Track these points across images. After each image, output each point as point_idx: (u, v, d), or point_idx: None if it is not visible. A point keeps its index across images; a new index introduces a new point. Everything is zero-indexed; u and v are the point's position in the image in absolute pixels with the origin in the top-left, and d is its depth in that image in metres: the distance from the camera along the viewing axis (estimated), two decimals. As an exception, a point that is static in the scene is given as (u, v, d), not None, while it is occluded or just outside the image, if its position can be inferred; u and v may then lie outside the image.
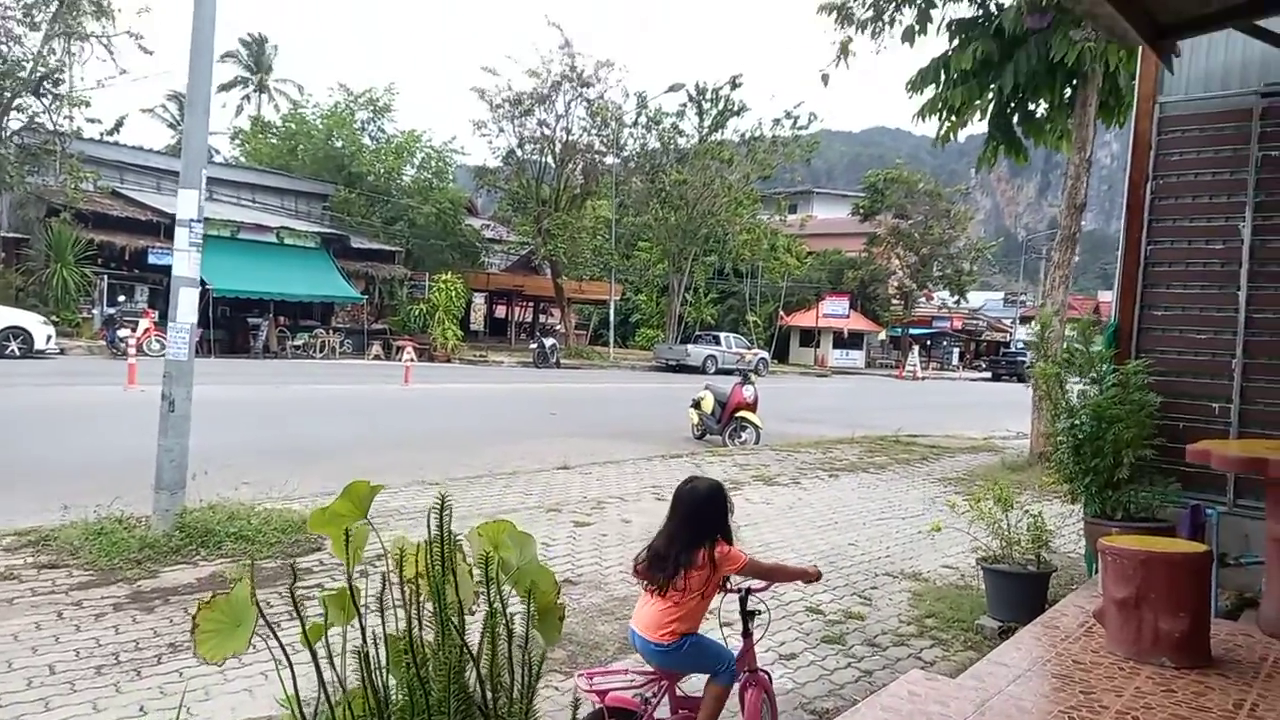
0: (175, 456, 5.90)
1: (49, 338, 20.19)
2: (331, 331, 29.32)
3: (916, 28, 10.97)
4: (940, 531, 7.31)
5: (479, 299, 39.10)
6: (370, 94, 37.86)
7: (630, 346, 45.39)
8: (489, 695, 1.58)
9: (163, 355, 18.85)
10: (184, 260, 6.04)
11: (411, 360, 22.22)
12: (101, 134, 28.18)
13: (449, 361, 30.15)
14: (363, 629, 1.71)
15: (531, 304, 45.82)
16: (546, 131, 35.47)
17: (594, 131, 36.23)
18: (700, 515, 2.98)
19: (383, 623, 1.71)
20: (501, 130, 35.57)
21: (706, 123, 39.18)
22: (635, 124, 37.66)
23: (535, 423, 14.89)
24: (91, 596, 4.74)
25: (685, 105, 38.64)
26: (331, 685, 2.17)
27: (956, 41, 10.51)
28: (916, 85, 10.75)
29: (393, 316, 32.37)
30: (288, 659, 1.94)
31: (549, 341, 32.07)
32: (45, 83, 24.74)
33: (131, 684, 3.74)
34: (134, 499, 6.16)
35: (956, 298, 50.66)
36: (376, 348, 29.69)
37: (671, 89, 36.01)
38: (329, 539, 5.90)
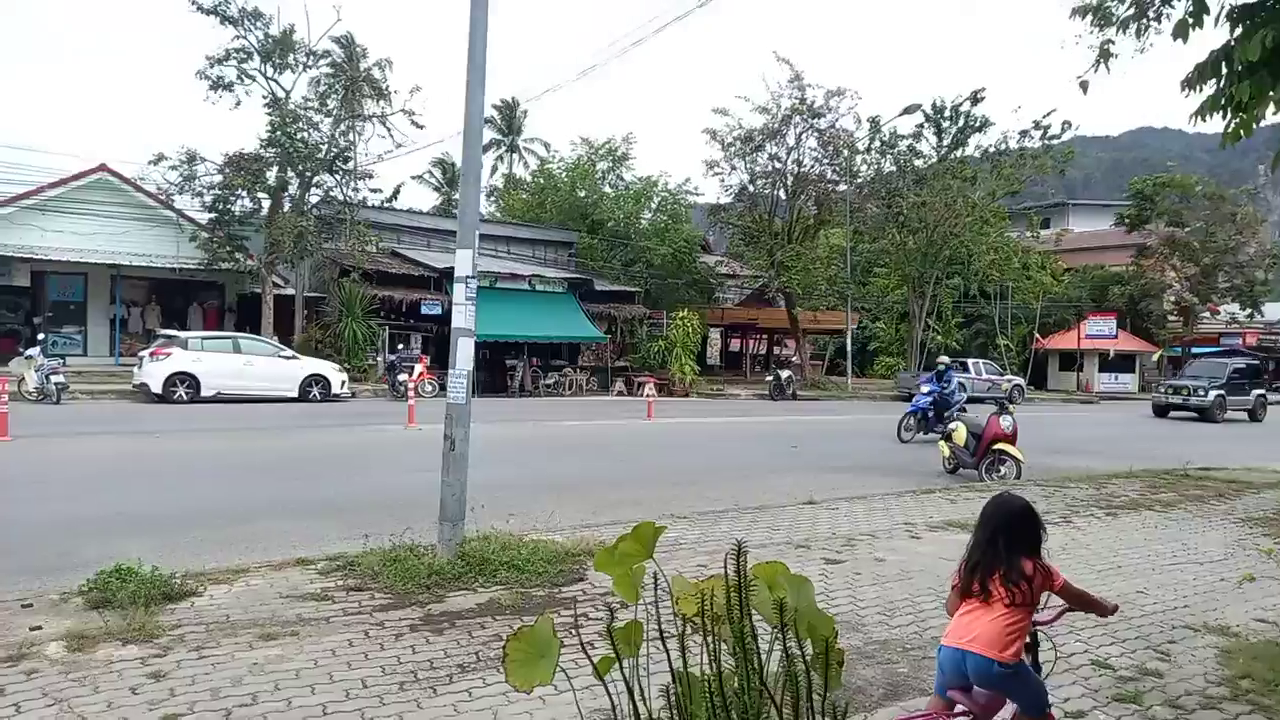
0: (456, 491, 6.46)
1: (343, 383, 22.90)
2: (579, 370, 30.96)
3: (1190, 20, 9.86)
4: (1253, 581, 6.43)
5: (714, 333, 39.74)
6: (609, 145, 39.93)
7: (869, 375, 44.04)
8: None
9: (436, 397, 20.73)
10: (461, 313, 6.65)
11: (652, 395, 22.92)
12: (382, 201, 31.78)
13: (687, 396, 30.77)
14: (671, 667, 1.79)
15: (766, 336, 45.81)
16: (778, 165, 35.61)
17: (826, 161, 35.88)
18: (1017, 528, 2.86)
19: (684, 660, 1.79)
20: (733, 168, 36.16)
21: (946, 141, 37.60)
22: (869, 149, 36.88)
23: (776, 456, 14.82)
24: (391, 617, 5.28)
25: (922, 125, 37.35)
26: (615, 713, 2.28)
27: (1240, 30, 9.34)
28: (1193, 82, 9.66)
29: (633, 354, 33.62)
30: (571, 684, 2.06)
31: (785, 373, 31.87)
32: (337, 161, 28.35)
33: (429, 700, 4.12)
34: (421, 529, 6.82)
35: (1249, 311, 44.62)
36: (619, 384, 30.95)
37: (907, 110, 34.91)
38: (590, 569, 6.17)
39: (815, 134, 35.04)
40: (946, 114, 37.37)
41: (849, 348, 37.61)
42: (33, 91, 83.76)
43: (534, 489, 10.35)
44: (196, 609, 5.25)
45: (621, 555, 2.20)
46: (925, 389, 17.04)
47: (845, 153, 35.72)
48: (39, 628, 4.85)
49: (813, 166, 35.86)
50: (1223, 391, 27.35)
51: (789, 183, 35.90)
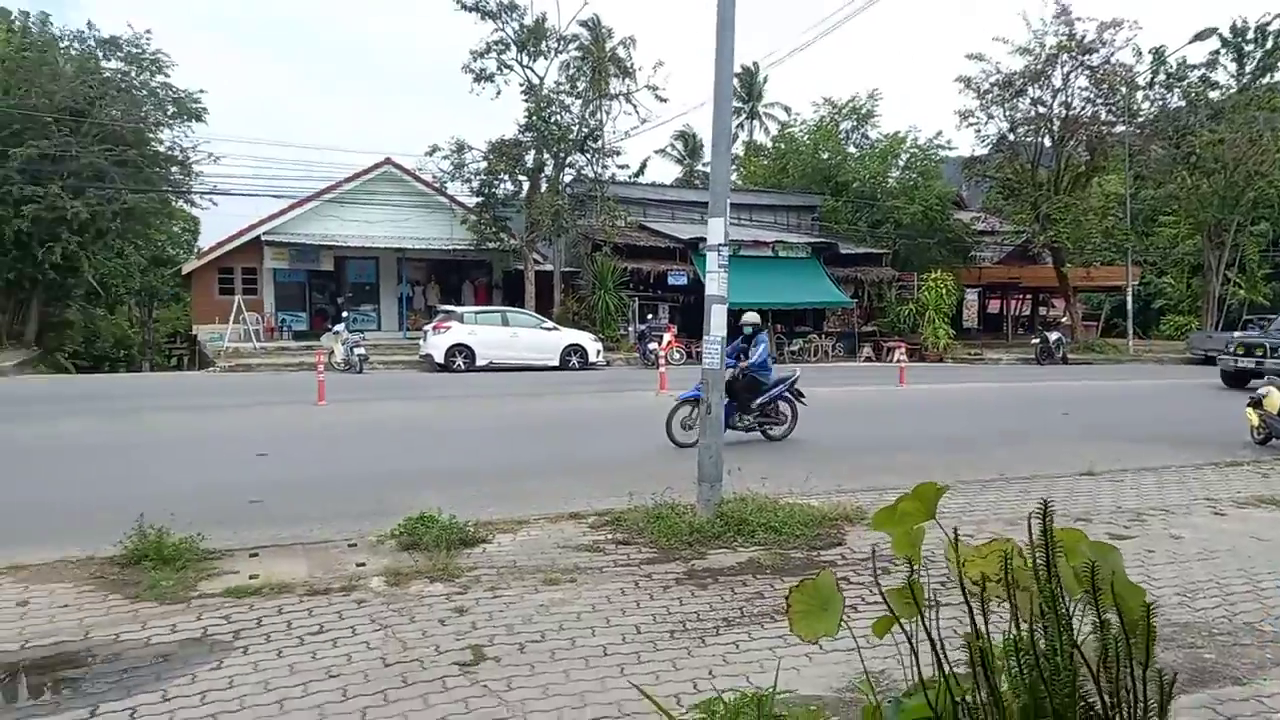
0: (713, 453, 6.65)
1: (598, 352, 24.10)
2: (824, 336, 30.43)
3: None
4: None
5: (971, 295, 37.34)
6: (853, 103, 38.58)
7: (1153, 336, 39.60)
8: (1110, 711, 1.52)
9: (683, 364, 21.13)
10: (714, 280, 6.78)
11: (904, 361, 22.07)
12: (629, 177, 32.86)
13: (941, 361, 29.31)
14: (973, 623, 1.77)
15: (1029, 296, 42.47)
16: (1041, 110, 32.65)
17: (1099, 101, 32.39)
18: None
19: (985, 620, 1.76)
20: (990, 117, 33.61)
21: (1249, 68, 32.66)
22: (1151, 84, 32.86)
23: (1043, 423, 13.78)
24: (658, 570, 5.55)
25: (1218, 53, 32.69)
26: (878, 675, 2.27)
27: None
28: None
29: (881, 318, 32.49)
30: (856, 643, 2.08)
31: (1053, 335, 29.47)
32: (588, 140, 29.62)
33: (699, 649, 4.31)
34: (680, 489, 7.08)
35: None
36: (867, 350, 30.08)
37: (1198, 37, 30.73)
38: (849, 534, 6.11)
39: (1086, 72, 31.72)
40: (1249, 37, 32.40)
41: (1129, 306, 34.02)
42: (324, 96, 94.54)
43: (785, 455, 10.37)
44: (488, 554, 5.81)
45: (902, 514, 2.18)
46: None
47: (1123, 90, 32.07)
48: (363, 564, 5.60)
49: (1083, 108, 32.53)
50: None
51: (1055, 128, 32.83)
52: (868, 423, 13.85)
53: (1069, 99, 32.38)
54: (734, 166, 47.90)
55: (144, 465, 9.76)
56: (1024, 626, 1.72)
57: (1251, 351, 18.88)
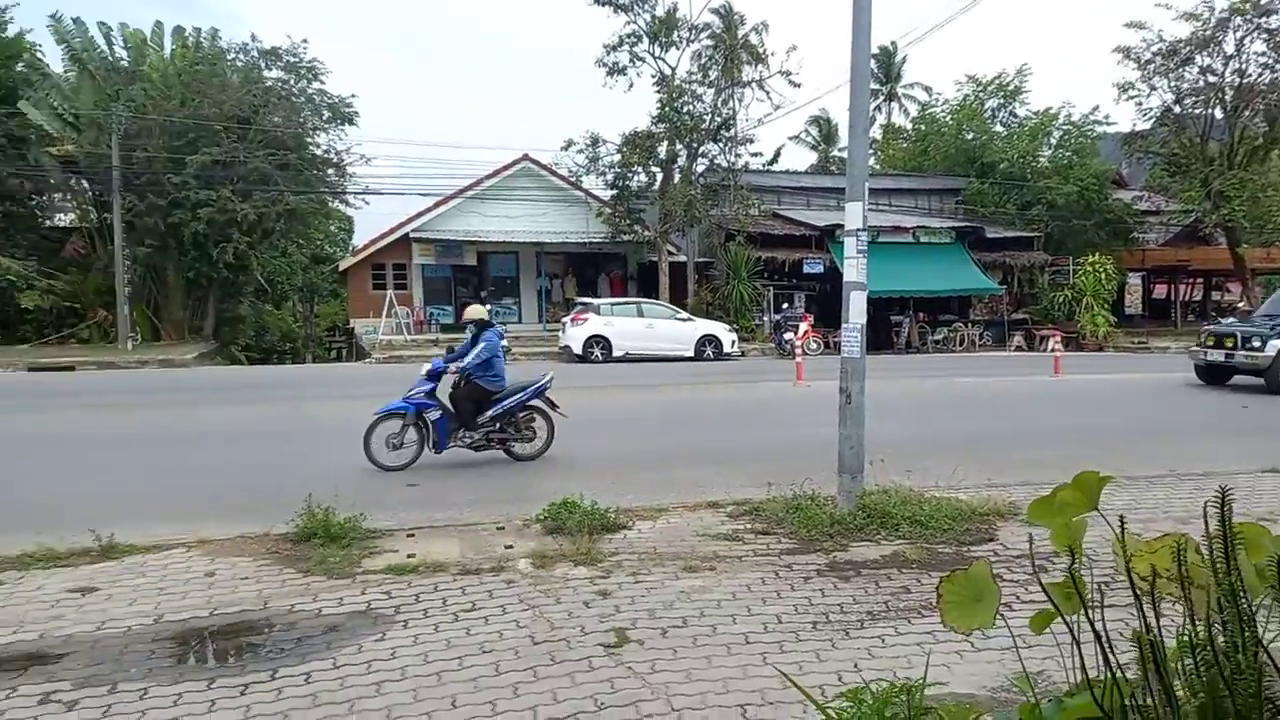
0: (854, 444, 6.53)
1: (733, 342, 24.03)
2: (969, 324, 29.21)
3: None
4: None
5: (1134, 279, 34.92)
6: (999, 80, 36.76)
7: (1347, 324, 35.92)
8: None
9: (821, 354, 20.81)
10: (853, 267, 6.65)
11: (1059, 350, 20.91)
12: (763, 164, 32.49)
13: (1100, 350, 27.64)
14: (1142, 619, 1.69)
15: (1200, 280, 39.39)
16: (1212, 79, 30.15)
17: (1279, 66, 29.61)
18: None
19: (1156, 617, 1.67)
20: (1153, 88, 31.30)
21: None
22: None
23: (1218, 418, 12.78)
24: (798, 561, 5.51)
25: None
26: (1036, 676, 2.18)
27: None
28: None
29: (1033, 305, 30.91)
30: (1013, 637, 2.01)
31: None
32: (720, 129, 29.49)
33: (843, 641, 4.26)
34: (819, 480, 6.98)
35: None
36: (1017, 339, 28.70)
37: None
38: (1001, 529, 5.87)
39: (1263, 36, 29.05)
40: None
41: (1317, 289, 30.99)
42: (462, 95, 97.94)
43: (930, 446, 10.05)
44: (629, 540, 5.93)
45: (1061, 505, 2.09)
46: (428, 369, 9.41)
47: (1309, 52, 29.17)
48: (510, 546, 5.82)
49: (1260, 75, 29.81)
50: None
51: (1227, 98, 30.25)
52: (1018, 414, 13.22)
53: (1243, 66, 29.77)
54: (871, 150, 46.58)
55: (310, 449, 10.46)
56: (1199, 625, 1.63)
57: (1221, 343, 15.96)
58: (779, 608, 4.71)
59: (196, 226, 25.71)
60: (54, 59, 29.30)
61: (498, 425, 9.37)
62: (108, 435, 11.63)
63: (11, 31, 27.70)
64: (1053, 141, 35.33)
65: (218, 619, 4.64)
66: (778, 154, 33.80)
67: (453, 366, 9.23)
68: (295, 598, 4.90)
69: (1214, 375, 16.40)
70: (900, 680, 3.30)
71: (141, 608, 4.76)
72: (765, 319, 28.46)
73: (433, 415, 9.06)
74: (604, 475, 8.43)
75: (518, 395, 9.46)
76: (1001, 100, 36.95)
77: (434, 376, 9.17)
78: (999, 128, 36.66)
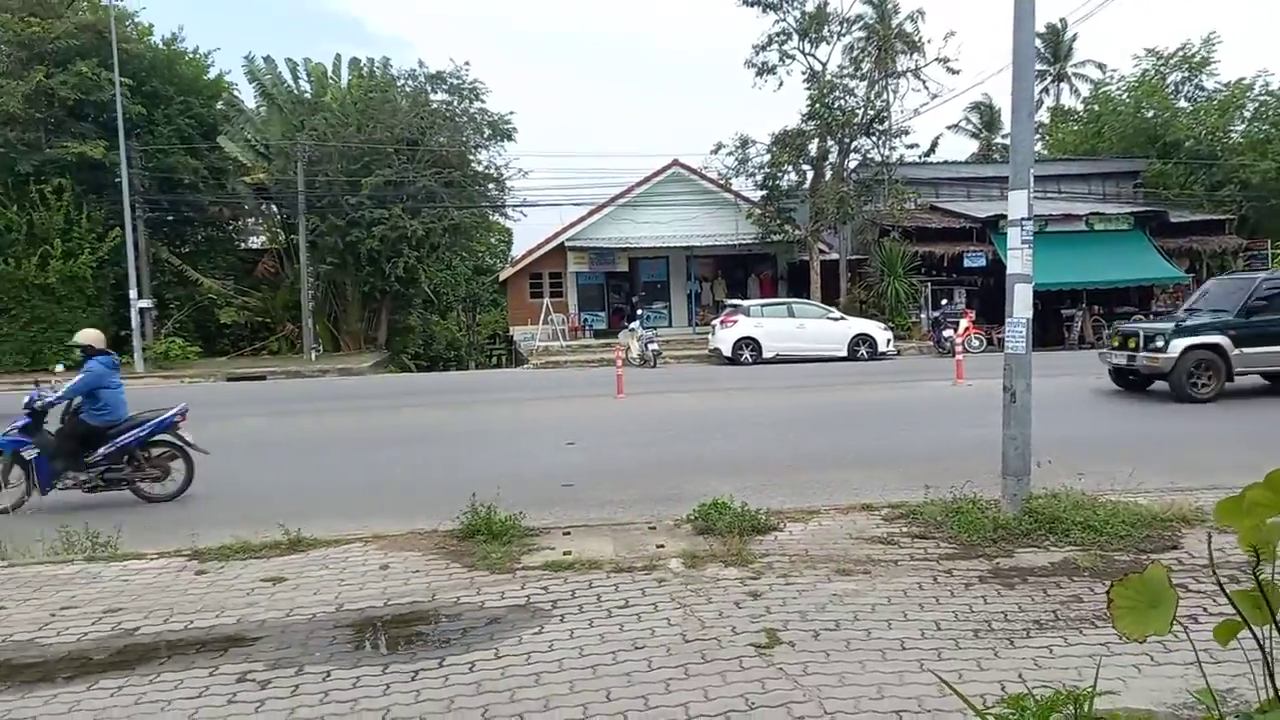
0: (1019, 445, 6.20)
1: (888, 341, 23.31)
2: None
3: None
4: None
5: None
6: (1183, 51, 33.92)
7: None
8: None
9: (982, 352, 19.85)
10: (1018, 258, 6.32)
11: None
12: (919, 156, 31.39)
13: (1308, 342, 24.93)
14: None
15: None
16: None
17: None
18: None
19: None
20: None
21: None
22: None
23: None
24: (958, 567, 5.29)
25: None
26: (1222, 694, 2.00)
27: None
28: None
29: (1227, 295, 28.25)
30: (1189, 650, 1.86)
31: None
32: (874, 123, 28.70)
33: (1007, 651, 4.06)
34: (980, 483, 6.68)
35: None
36: (1208, 332, 26.34)
37: None
38: (1186, 536, 5.43)
39: None
40: None
41: None
42: (615, 106, 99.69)
43: (1104, 447, 9.41)
44: (779, 542, 5.87)
45: (1251, 505, 1.92)
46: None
47: None
48: (662, 546, 5.89)
49: None
50: (1220, 339, 12.79)
51: None
52: (1206, 415, 12.13)
53: None
54: (1038, 134, 44.04)
55: (473, 450, 10.97)
56: None
57: (1126, 343, 13.73)
58: (937, 614, 4.54)
59: (371, 244, 27.46)
60: (248, 95, 32.12)
61: (116, 463, 8.38)
62: (295, 439, 12.63)
63: (213, 74, 30.59)
64: (1247, 115, 32.24)
65: (391, 609, 4.95)
66: (935, 144, 32.53)
67: (50, 397, 8.31)
68: (461, 591, 5.15)
69: (1127, 380, 14.13)
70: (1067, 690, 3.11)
71: (324, 597, 5.14)
72: (923, 316, 27.43)
73: (29, 453, 8.19)
74: (753, 476, 8.39)
75: (136, 431, 8.42)
76: (1186, 73, 34.08)
77: (31, 410, 8.27)
78: (1183, 103, 33.83)
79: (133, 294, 24.93)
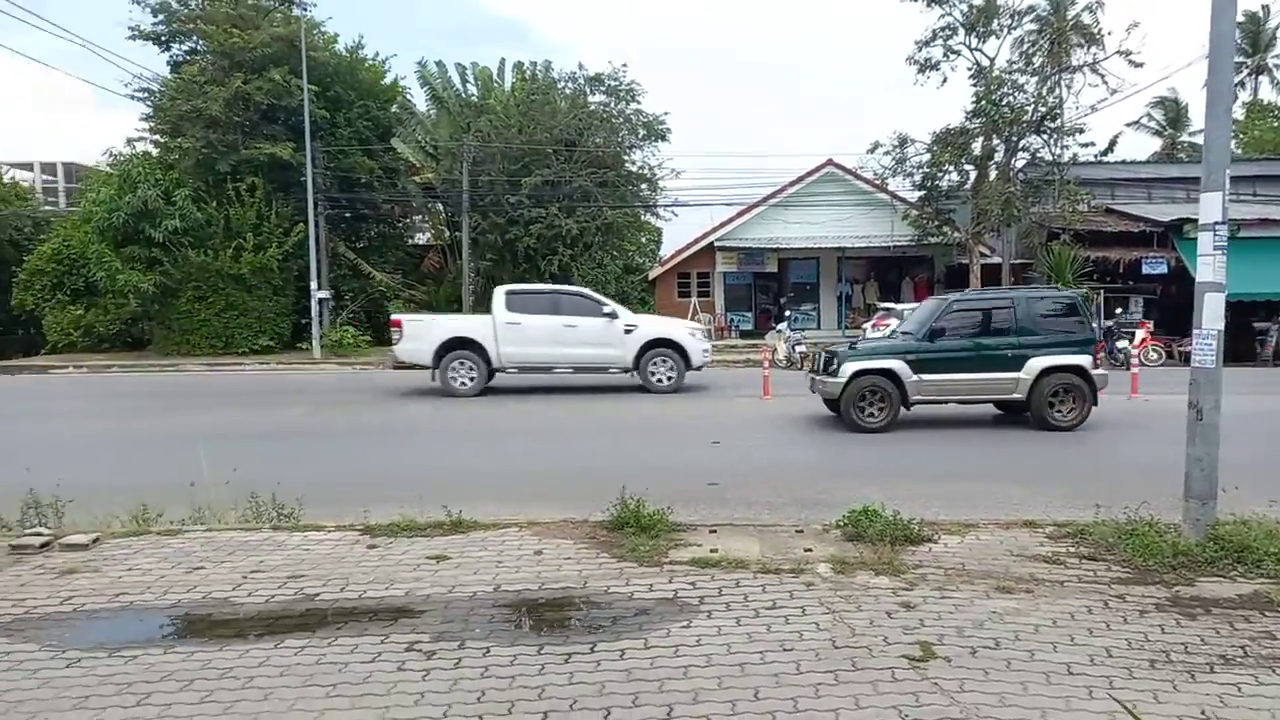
0: (1205, 466, 5.75)
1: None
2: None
3: None
4: None
5: None
6: None
7: None
8: None
9: (1160, 365, 18.44)
10: (1209, 265, 5.86)
11: None
12: (1095, 156, 29.47)
13: None
14: None
15: None
16: None
17: None
18: None
19: None
20: None
21: None
22: None
23: None
24: (1132, 592, 4.97)
25: None
26: None
27: None
28: None
29: None
30: None
31: None
32: (1045, 120, 27.20)
33: (1186, 685, 3.79)
34: (1156, 505, 6.23)
35: None
36: None
37: None
38: None
39: None
40: None
41: None
42: (768, 106, 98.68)
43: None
44: (933, 553, 5.70)
45: None
46: None
47: None
48: (809, 550, 5.84)
49: None
50: (895, 364, 11.77)
51: None
52: None
53: None
54: (1233, 133, 40.49)
55: (618, 443, 11.18)
56: None
57: (828, 365, 12.36)
58: (1108, 640, 4.29)
59: (528, 241, 28.43)
60: (420, 99, 33.91)
61: None
62: (448, 426, 13.25)
63: (389, 79, 32.48)
64: None
65: (545, 593, 5.14)
66: (1113, 143, 30.29)
67: None
68: (610, 580, 5.29)
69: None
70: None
71: (483, 577, 5.40)
72: (1095, 325, 25.73)
73: None
74: (903, 484, 8.16)
75: None
76: None
77: None
78: None
79: (313, 285, 26.84)
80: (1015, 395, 11.81)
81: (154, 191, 26.39)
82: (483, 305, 31.45)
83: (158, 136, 29.04)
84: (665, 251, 36.39)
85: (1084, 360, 11.69)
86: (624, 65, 31.42)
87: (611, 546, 5.97)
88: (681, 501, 7.14)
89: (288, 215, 27.81)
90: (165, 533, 6.50)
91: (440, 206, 33.49)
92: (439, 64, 32.69)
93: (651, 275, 35.61)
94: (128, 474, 9.30)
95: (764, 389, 16.02)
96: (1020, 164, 27.95)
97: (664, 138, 31.54)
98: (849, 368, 11.80)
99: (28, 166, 46.48)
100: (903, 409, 11.86)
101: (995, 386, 11.89)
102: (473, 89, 33.09)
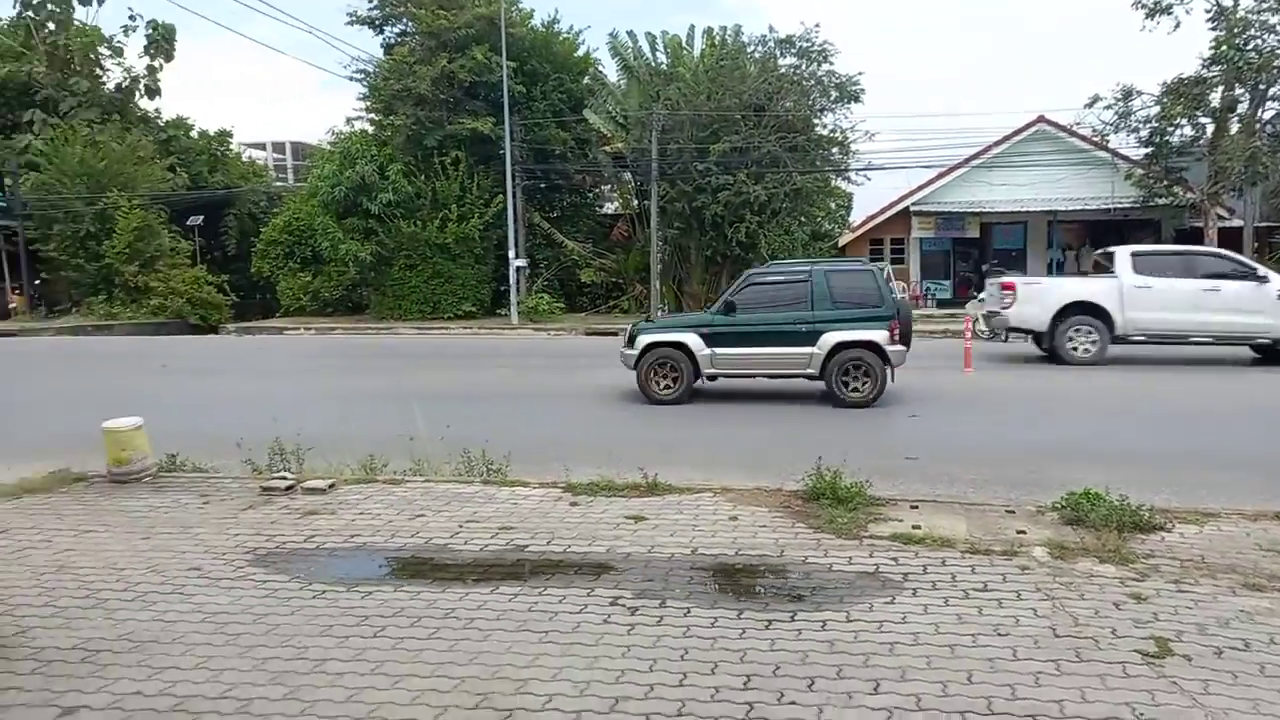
0: None
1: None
2: None
3: None
4: None
5: None
6: None
7: None
8: None
9: None
10: None
11: None
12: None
13: None
14: None
15: None
16: None
17: None
18: None
19: None
20: None
21: None
22: None
23: None
24: None
25: None
26: None
27: None
28: None
29: None
30: None
31: None
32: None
33: None
34: None
35: None
36: None
37: None
38: None
39: None
40: None
41: None
42: (970, 62, 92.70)
43: None
44: (1167, 543, 5.23)
45: None
46: None
47: None
48: (1023, 532, 5.51)
49: None
50: (688, 337, 11.84)
51: None
52: None
53: None
54: None
55: (812, 414, 11.00)
56: None
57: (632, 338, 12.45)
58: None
59: (715, 209, 28.34)
60: (610, 70, 34.46)
61: None
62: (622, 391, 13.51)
63: (581, 52, 33.23)
64: None
65: (741, 558, 5.15)
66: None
67: None
68: (808, 550, 5.23)
69: None
70: None
71: (680, 539, 5.48)
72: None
73: None
74: (1125, 467, 7.51)
75: None
76: None
77: None
78: None
79: (511, 254, 28.11)
80: (809, 370, 11.52)
81: (370, 167, 28.47)
82: (669, 273, 31.86)
83: (373, 115, 31.20)
84: (855, 217, 35.27)
85: (878, 335, 11.28)
86: (816, 26, 30.56)
87: (807, 517, 5.90)
88: (877, 475, 6.90)
89: (488, 187, 29.20)
90: (389, 481, 7.05)
91: (628, 175, 34.02)
92: (630, 34, 33.03)
93: (841, 242, 34.68)
94: (355, 426, 10.18)
95: (965, 361, 15.24)
96: (1268, 115, 24.84)
97: (857, 99, 30.37)
98: (643, 340, 11.96)
99: (261, 146, 51.44)
100: (703, 381, 12.01)
101: (789, 361, 11.61)
102: (662, 57, 33.20)
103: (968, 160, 29.50)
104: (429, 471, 7.39)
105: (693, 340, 11.76)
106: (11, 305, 33.64)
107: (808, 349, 11.43)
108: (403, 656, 3.86)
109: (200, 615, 4.37)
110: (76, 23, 37.52)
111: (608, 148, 32.33)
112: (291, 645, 4.00)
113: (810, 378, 11.65)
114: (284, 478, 6.96)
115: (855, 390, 11.31)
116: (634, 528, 5.75)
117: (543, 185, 31.91)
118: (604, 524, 5.84)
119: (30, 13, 36.59)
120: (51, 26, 36.85)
